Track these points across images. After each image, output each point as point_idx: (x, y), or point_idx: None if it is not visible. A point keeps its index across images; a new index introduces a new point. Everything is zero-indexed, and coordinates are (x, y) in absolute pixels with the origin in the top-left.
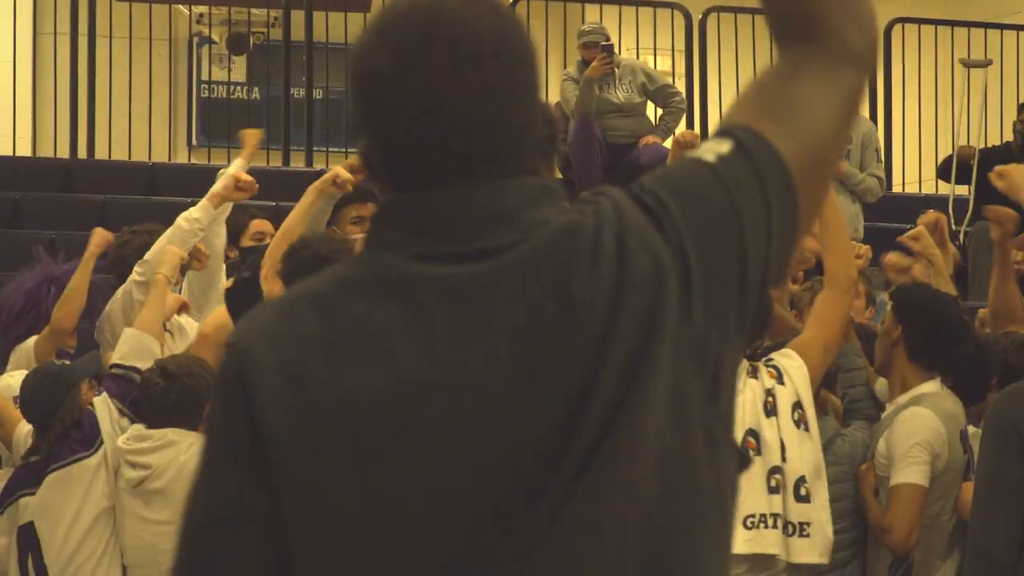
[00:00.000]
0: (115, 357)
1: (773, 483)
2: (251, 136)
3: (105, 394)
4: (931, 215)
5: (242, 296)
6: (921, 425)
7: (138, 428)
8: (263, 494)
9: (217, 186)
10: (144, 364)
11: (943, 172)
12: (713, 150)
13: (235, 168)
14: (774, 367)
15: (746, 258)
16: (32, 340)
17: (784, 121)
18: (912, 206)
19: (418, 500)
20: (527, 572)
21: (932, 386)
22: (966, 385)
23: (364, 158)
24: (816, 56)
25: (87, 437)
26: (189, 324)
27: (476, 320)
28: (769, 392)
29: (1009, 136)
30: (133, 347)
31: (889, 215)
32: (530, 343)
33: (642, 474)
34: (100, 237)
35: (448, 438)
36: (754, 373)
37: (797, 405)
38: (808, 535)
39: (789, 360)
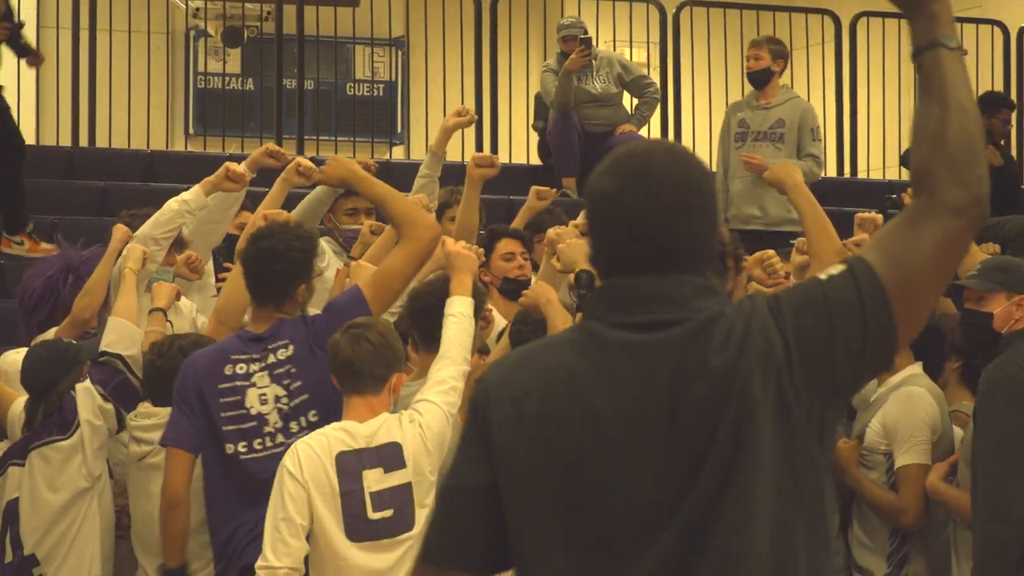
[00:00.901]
0: (103, 344)
1: None
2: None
3: (88, 380)
4: (869, 216)
5: None
6: (921, 405)
7: (146, 405)
8: (486, 479)
9: (210, 177)
10: (128, 351)
11: (906, 159)
12: (829, 272)
13: (241, 166)
14: None
15: (834, 346)
16: (53, 331)
17: (888, 254)
18: (877, 191)
19: (586, 491)
20: (689, 534)
21: (918, 367)
22: (927, 365)
23: (591, 251)
24: (922, 205)
25: (65, 421)
26: (185, 305)
27: (645, 372)
28: None
29: None
30: (119, 335)
31: (855, 201)
32: (679, 392)
33: (758, 481)
34: (122, 233)
35: (613, 450)
36: None
37: None
38: None
39: None
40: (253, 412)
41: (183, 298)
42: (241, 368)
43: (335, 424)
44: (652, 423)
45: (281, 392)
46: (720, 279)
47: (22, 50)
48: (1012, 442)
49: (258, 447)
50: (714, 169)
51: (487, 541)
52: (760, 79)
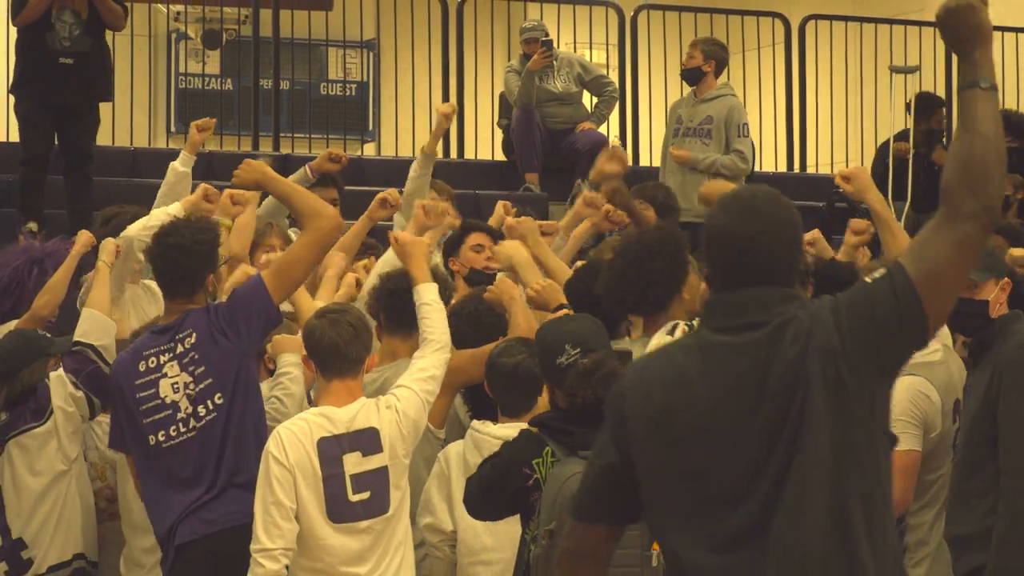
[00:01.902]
0: (77, 334)
1: None
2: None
3: (61, 369)
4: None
5: None
6: (910, 393)
7: None
8: (620, 458)
9: (191, 197)
10: (100, 341)
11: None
12: (873, 275)
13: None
14: (689, 326)
15: (877, 333)
16: (12, 324)
17: (916, 255)
18: (825, 186)
19: (692, 464)
20: (767, 506)
21: (932, 347)
22: None
23: (706, 271)
24: (943, 213)
25: (39, 408)
26: (158, 289)
27: (736, 367)
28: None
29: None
30: (92, 326)
31: (804, 194)
32: (761, 381)
33: (819, 454)
34: (86, 238)
35: (713, 430)
36: (672, 331)
37: None
38: None
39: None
40: (168, 401)
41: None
42: (152, 361)
43: (314, 409)
44: (741, 408)
45: (188, 379)
46: (803, 289)
47: None
48: None
49: (174, 434)
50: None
51: (620, 502)
52: (691, 77)
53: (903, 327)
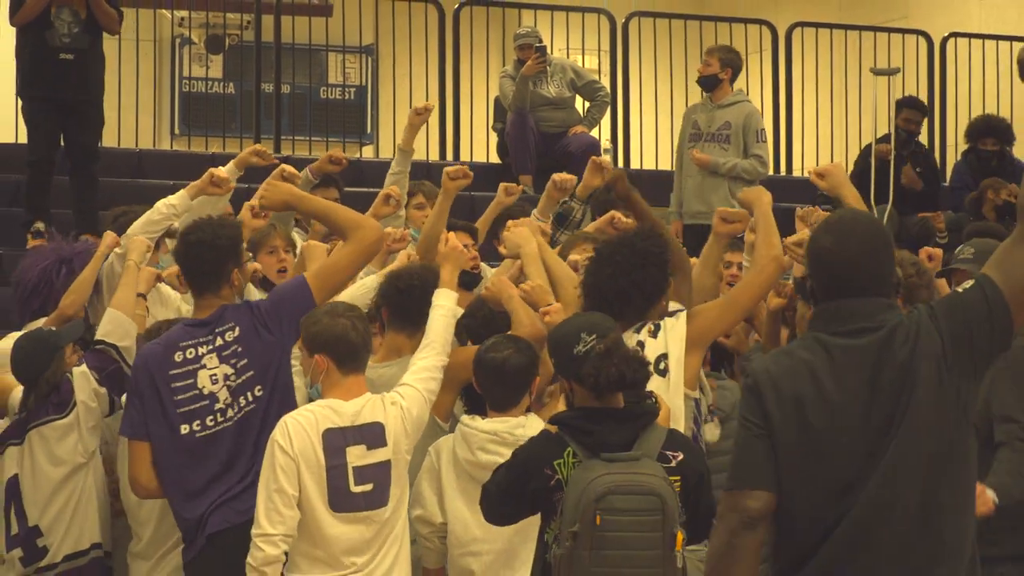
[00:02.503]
0: (99, 334)
1: None
2: (248, 153)
3: (85, 365)
4: (809, 209)
5: None
6: None
7: None
8: (766, 435)
9: (196, 182)
10: (123, 342)
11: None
12: (964, 286)
13: (225, 170)
14: (656, 325)
15: (972, 339)
16: (41, 322)
17: (1003, 268)
18: (811, 187)
19: (818, 445)
20: (882, 475)
21: None
22: None
23: (812, 283)
24: (1020, 230)
25: (63, 401)
26: (171, 295)
27: (856, 365)
28: (640, 344)
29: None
30: (115, 327)
31: (791, 196)
32: (877, 378)
33: (920, 437)
34: (111, 239)
35: (840, 416)
36: (638, 329)
37: (663, 357)
38: None
39: (672, 320)
40: (205, 392)
41: (168, 288)
42: (191, 353)
43: (321, 401)
44: (860, 401)
45: (229, 371)
46: (895, 299)
47: None
48: None
49: (210, 423)
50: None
51: (774, 470)
52: (708, 84)
53: (994, 333)
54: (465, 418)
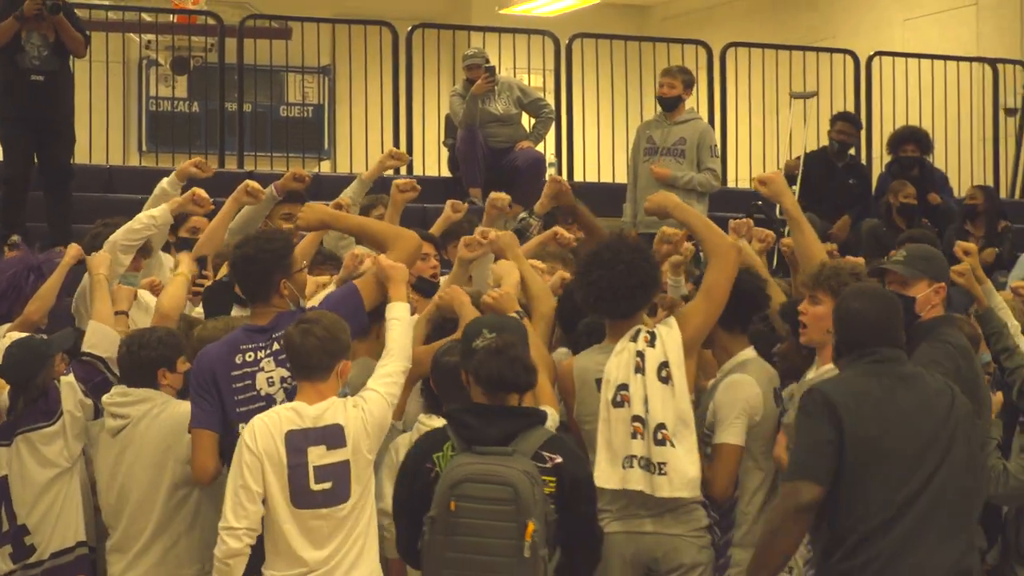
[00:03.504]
0: (85, 346)
1: (633, 430)
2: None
3: (72, 376)
4: (742, 221)
5: (216, 293)
6: (741, 391)
7: (121, 387)
8: (835, 441)
9: (179, 198)
10: (107, 353)
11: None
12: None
13: (167, 182)
14: (651, 333)
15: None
16: (5, 328)
17: None
18: (745, 198)
19: (880, 448)
20: (940, 484)
21: (751, 352)
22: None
23: (841, 338)
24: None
25: (50, 410)
26: (151, 300)
27: (906, 398)
28: (640, 354)
29: (824, 141)
30: (100, 339)
31: (727, 207)
32: (926, 403)
33: (959, 457)
34: (75, 250)
35: (906, 428)
36: (634, 337)
37: (664, 365)
38: (665, 474)
39: (666, 328)
40: (263, 393)
41: (147, 295)
42: (250, 356)
43: (287, 404)
44: (915, 416)
45: (286, 374)
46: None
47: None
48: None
49: None
50: (624, 180)
51: (830, 470)
52: (671, 103)
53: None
54: (423, 417)
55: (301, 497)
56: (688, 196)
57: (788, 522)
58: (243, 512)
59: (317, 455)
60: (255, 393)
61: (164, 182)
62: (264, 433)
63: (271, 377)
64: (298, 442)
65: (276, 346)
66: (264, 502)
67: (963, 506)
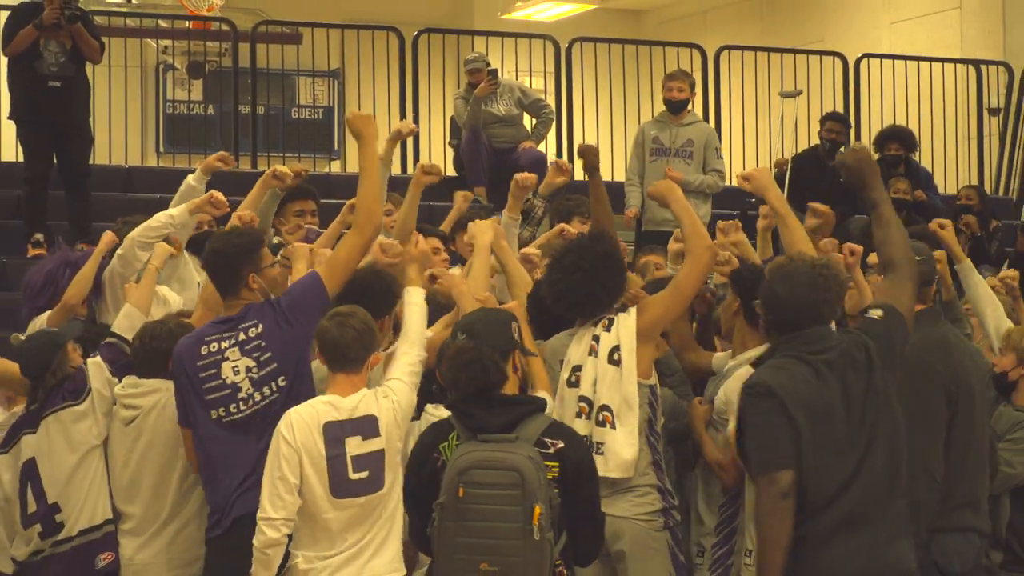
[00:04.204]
0: (114, 327)
1: (578, 409)
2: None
3: (99, 357)
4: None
5: None
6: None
7: (131, 378)
8: (787, 429)
9: (197, 199)
10: (132, 335)
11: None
12: (876, 314)
13: (193, 177)
14: (609, 319)
15: (893, 349)
16: (47, 314)
17: (896, 300)
18: (736, 196)
19: (825, 429)
20: (870, 452)
21: (764, 348)
22: None
23: (767, 321)
24: (899, 275)
25: (77, 389)
26: (173, 299)
27: (831, 371)
28: (595, 337)
29: (815, 140)
30: (131, 323)
31: (717, 203)
32: (849, 381)
33: (884, 415)
34: (109, 238)
35: (834, 411)
36: (595, 323)
37: (616, 348)
38: (602, 454)
39: (624, 315)
40: (228, 382)
41: (171, 292)
42: (215, 347)
43: (322, 397)
44: (842, 399)
45: (251, 363)
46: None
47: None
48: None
49: (234, 411)
50: (622, 179)
51: (796, 454)
52: (679, 106)
53: (902, 344)
54: (430, 407)
55: (340, 487)
56: (696, 197)
57: (774, 513)
58: (280, 503)
59: (354, 445)
60: (221, 381)
61: (190, 178)
62: (302, 426)
63: (236, 366)
64: (336, 433)
65: (243, 336)
66: (300, 492)
67: (900, 467)
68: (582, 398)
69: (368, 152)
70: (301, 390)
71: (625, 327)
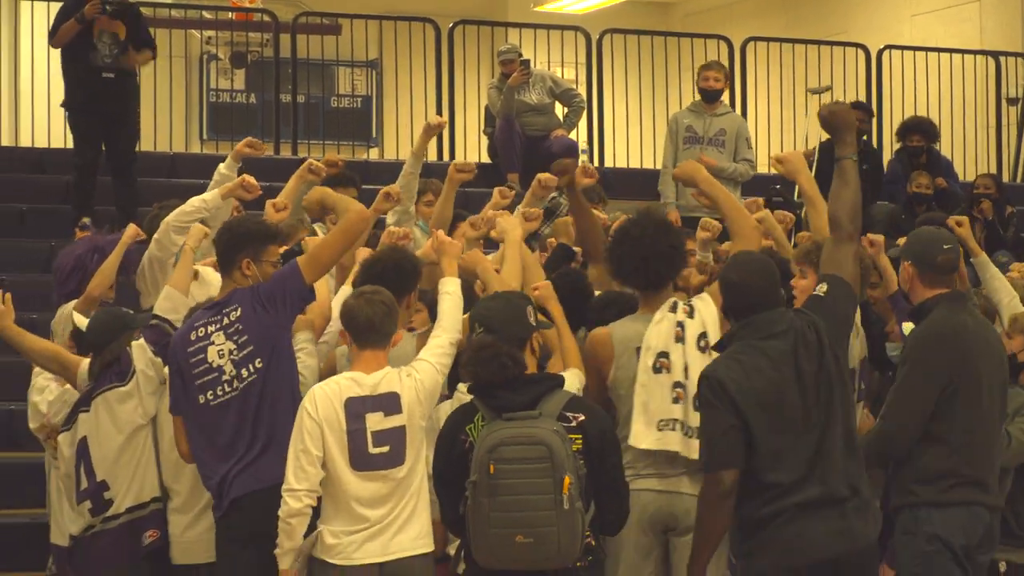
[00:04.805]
0: (156, 309)
1: (675, 395)
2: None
3: (143, 339)
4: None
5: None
6: None
7: None
8: (737, 425)
9: (229, 184)
10: (173, 315)
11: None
12: (821, 290)
13: (224, 165)
14: (689, 306)
15: (839, 324)
16: (74, 302)
17: (839, 267)
18: (763, 183)
19: (778, 412)
20: (824, 432)
21: None
22: None
23: (727, 305)
24: (839, 236)
25: (123, 371)
26: (211, 275)
27: (786, 357)
28: (680, 324)
29: None
30: (172, 304)
31: (748, 191)
32: (800, 362)
33: (836, 391)
34: (133, 230)
35: (786, 395)
36: (673, 308)
37: (703, 335)
38: (698, 438)
39: (702, 301)
40: (214, 365)
41: (213, 273)
42: (202, 331)
43: (346, 374)
44: (794, 380)
45: (232, 346)
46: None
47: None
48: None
49: (220, 393)
50: (658, 166)
51: (742, 451)
52: (715, 96)
53: (851, 312)
54: (461, 386)
55: (360, 460)
56: (727, 184)
57: (715, 509)
58: (303, 475)
59: (375, 421)
60: (208, 366)
61: (221, 166)
62: (324, 401)
63: (221, 350)
64: (357, 408)
65: (226, 320)
66: (324, 465)
67: (853, 439)
68: (677, 384)
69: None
70: (279, 375)
71: (708, 314)
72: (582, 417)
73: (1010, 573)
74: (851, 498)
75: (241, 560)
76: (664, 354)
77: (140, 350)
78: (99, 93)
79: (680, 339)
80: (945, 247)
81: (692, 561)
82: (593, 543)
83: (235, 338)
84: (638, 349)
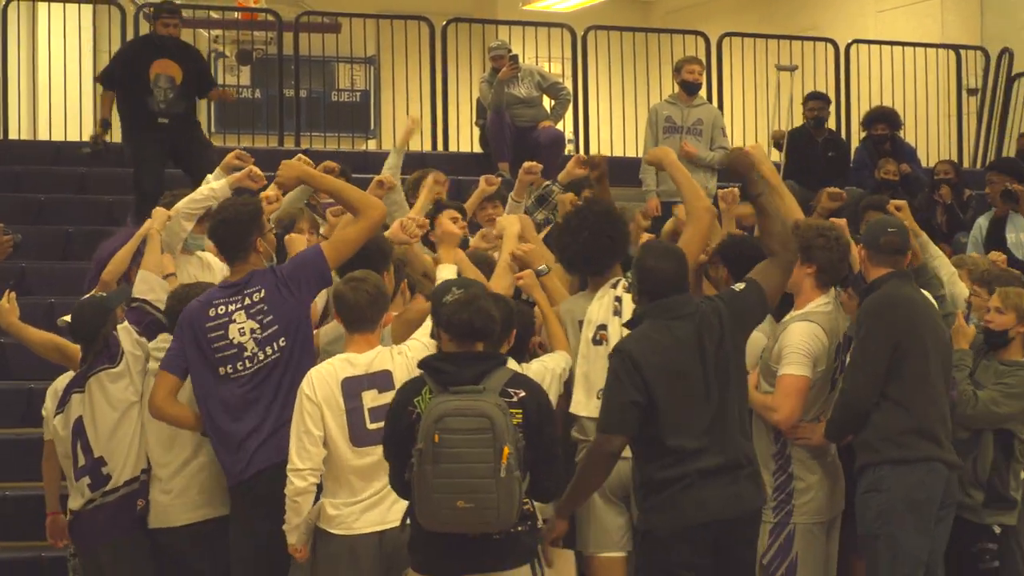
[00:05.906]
0: (134, 293)
1: None
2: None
3: (126, 322)
4: (728, 191)
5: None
6: (807, 334)
7: (165, 335)
8: (640, 398)
9: (237, 174)
10: (154, 296)
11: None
12: (739, 286)
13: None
14: (629, 282)
15: (745, 315)
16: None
17: (764, 277)
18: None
19: (682, 388)
20: (721, 407)
21: (826, 305)
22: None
23: (639, 292)
24: (773, 257)
25: (112, 353)
26: (213, 261)
27: (691, 337)
28: (618, 299)
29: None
30: (148, 285)
31: (725, 178)
32: (703, 342)
33: (733, 372)
34: (147, 224)
35: (689, 370)
36: (614, 285)
37: None
38: None
39: None
40: (235, 342)
41: (215, 259)
42: (222, 309)
43: (340, 355)
44: (697, 358)
45: (255, 326)
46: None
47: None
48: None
49: (240, 368)
50: (640, 155)
51: (637, 422)
52: (695, 88)
53: (756, 311)
54: None
55: (359, 436)
56: (705, 171)
57: (599, 466)
58: (306, 454)
59: (370, 398)
60: (228, 342)
61: (210, 177)
62: (322, 382)
63: (242, 328)
64: (353, 388)
65: (247, 300)
66: (325, 444)
67: (747, 417)
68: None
69: (325, 183)
70: (302, 353)
71: None
72: (523, 393)
73: (1005, 534)
74: (746, 466)
75: (259, 528)
76: (603, 326)
77: (126, 332)
78: (156, 138)
79: (617, 312)
80: (889, 230)
81: (561, 505)
82: (531, 509)
83: (258, 318)
84: (580, 323)
